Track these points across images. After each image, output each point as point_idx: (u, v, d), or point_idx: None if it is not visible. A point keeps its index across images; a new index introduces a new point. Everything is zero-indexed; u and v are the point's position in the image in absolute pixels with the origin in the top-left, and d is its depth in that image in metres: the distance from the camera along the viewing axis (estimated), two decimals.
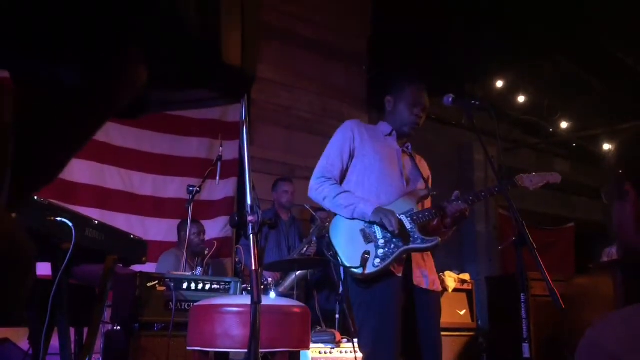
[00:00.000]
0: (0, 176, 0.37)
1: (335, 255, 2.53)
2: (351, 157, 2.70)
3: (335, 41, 6.96)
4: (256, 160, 5.70)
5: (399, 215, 2.55)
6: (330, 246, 2.57)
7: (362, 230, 2.54)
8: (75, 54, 0.40)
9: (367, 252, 2.47)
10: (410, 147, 2.85)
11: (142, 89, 0.43)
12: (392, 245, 2.49)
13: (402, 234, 2.50)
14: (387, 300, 2.44)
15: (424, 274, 2.60)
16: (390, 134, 2.79)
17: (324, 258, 4.03)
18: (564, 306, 2.12)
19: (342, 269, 2.58)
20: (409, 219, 2.57)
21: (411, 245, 2.52)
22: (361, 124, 2.82)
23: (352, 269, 2.45)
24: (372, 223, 2.54)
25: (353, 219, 2.56)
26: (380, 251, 2.48)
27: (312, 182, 2.68)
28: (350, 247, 2.52)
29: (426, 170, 2.88)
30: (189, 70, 0.44)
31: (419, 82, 2.80)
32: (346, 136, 2.72)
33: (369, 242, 2.52)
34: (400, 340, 2.42)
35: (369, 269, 2.45)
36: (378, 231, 2.53)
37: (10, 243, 0.39)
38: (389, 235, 2.49)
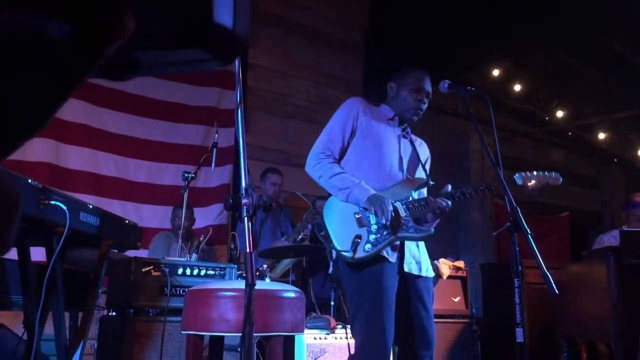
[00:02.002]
0: None
1: (327, 236, 2.51)
2: (353, 134, 2.65)
3: (332, 30, 6.93)
4: (252, 148, 5.70)
5: (395, 202, 2.53)
6: (322, 227, 2.54)
7: (356, 214, 2.52)
8: (71, 8, 0.39)
9: (359, 236, 2.45)
10: (409, 132, 2.81)
11: (133, 50, 0.43)
12: (385, 232, 2.46)
13: (396, 222, 2.48)
14: (380, 286, 2.42)
15: (417, 260, 2.58)
16: (392, 119, 2.75)
17: (319, 245, 4.03)
18: (557, 292, 2.12)
19: (332, 251, 2.56)
20: (404, 206, 2.54)
21: (404, 234, 2.50)
22: (366, 103, 2.75)
23: (342, 252, 2.44)
24: (366, 208, 2.53)
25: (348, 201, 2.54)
26: (372, 237, 2.46)
27: (310, 157, 2.63)
28: (342, 229, 2.50)
29: (425, 153, 2.85)
30: (179, 29, 0.43)
31: (422, 69, 2.76)
32: (351, 113, 2.66)
33: (362, 227, 2.49)
34: (393, 326, 2.41)
35: (359, 254, 2.43)
36: (372, 216, 2.50)
37: None
38: (382, 221, 2.48)
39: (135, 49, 0.43)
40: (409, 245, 2.58)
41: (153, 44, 0.44)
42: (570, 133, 9.22)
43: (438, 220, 2.62)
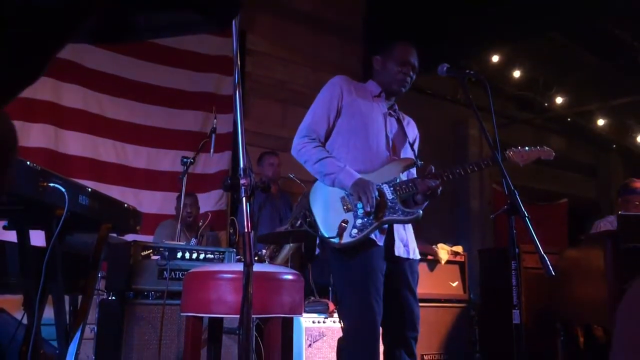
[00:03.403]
0: None
1: (313, 223, 2.47)
2: (338, 115, 2.60)
3: (331, 15, 6.91)
4: (250, 134, 5.70)
5: (382, 184, 2.49)
6: (309, 213, 2.51)
7: (343, 199, 2.47)
8: None
9: (345, 221, 2.41)
10: (397, 109, 2.77)
11: (129, 13, 0.43)
12: (372, 216, 2.42)
13: (383, 206, 2.45)
14: (368, 269, 2.40)
15: (405, 243, 2.56)
16: (378, 95, 2.70)
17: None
18: (554, 273, 2.13)
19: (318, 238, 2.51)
20: (391, 189, 2.50)
21: (391, 217, 2.45)
22: (350, 81, 2.70)
23: (329, 239, 2.40)
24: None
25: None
26: (359, 221, 2.42)
27: (295, 141, 2.60)
28: (328, 214, 2.47)
29: (413, 132, 2.79)
30: None
31: (408, 42, 2.71)
32: (334, 93, 2.61)
33: (348, 211, 2.45)
34: (382, 308, 2.40)
35: (345, 239, 2.39)
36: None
37: None
38: (367, 208, 2.41)
39: (131, 11, 0.43)
40: (397, 229, 2.55)
41: (149, 4, 0.44)
42: (569, 119, 9.20)
43: (427, 202, 2.59)
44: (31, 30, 0.40)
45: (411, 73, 2.67)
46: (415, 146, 2.78)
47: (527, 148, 2.62)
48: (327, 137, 2.62)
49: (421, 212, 2.49)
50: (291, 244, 4.35)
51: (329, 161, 2.51)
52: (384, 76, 2.70)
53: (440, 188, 2.51)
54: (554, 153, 2.66)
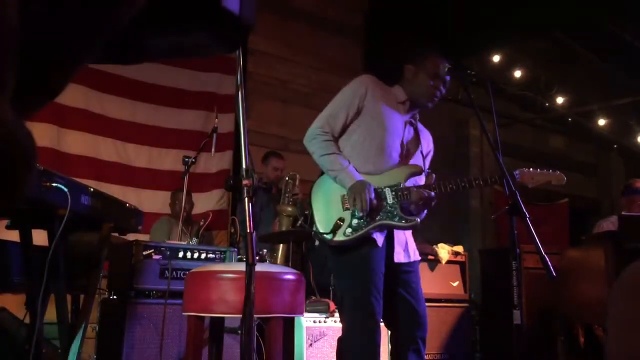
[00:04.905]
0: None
1: (310, 216, 2.49)
2: (357, 113, 2.58)
3: (332, 15, 6.91)
4: (251, 133, 5.70)
5: (384, 187, 2.49)
6: (308, 206, 2.54)
7: (343, 197, 2.49)
8: None
9: (342, 219, 2.43)
10: (417, 119, 2.76)
11: (140, 34, 0.43)
12: (369, 218, 2.43)
13: (380, 208, 2.45)
14: (367, 269, 2.40)
15: (404, 248, 2.57)
16: (403, 102, 2.67)
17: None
18: (555, 275, 2.13)
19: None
20: (393, 193, 2.49)
21: (388, 222, 2.46)
22: (377, 81, 2.68)
23: (323, 235, 2.43)
24: None
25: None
26: (355, 221, 2.43)
27: (310, 130, 2.60)
28: (326, 210, 2.49)
29: (428, 145, 2.77)
30: (187, 12, 0.44)
31: (441, 55, 2.66)
32: (359, 91, 2.59)
33: (347, 210, 2.47)
34: (382, 308, 2.39)
35: (339, 237, 2.41)
36: None
37: (9, 141, 0.39)
38: (360, 213, 2.43)
39: (142, 33, 0.44)
40: (397, 234, 2.55)
41: (160, 27, 0.45)
42: (570, 119, 9.19)
43: (425, 212, 2.58)
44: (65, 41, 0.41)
45: (442, 87, 2.63)
46: (428, 159, 2.75)
47: (538, 170, 2.57)
48: (342, 133, 2.61)
49: (419, 220, 2.49)
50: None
51: (333, 157, 2.52)
52: (414, 86, 2.65)
53: (434, 201, 2.51)
54: (565, 179, 2.58)
